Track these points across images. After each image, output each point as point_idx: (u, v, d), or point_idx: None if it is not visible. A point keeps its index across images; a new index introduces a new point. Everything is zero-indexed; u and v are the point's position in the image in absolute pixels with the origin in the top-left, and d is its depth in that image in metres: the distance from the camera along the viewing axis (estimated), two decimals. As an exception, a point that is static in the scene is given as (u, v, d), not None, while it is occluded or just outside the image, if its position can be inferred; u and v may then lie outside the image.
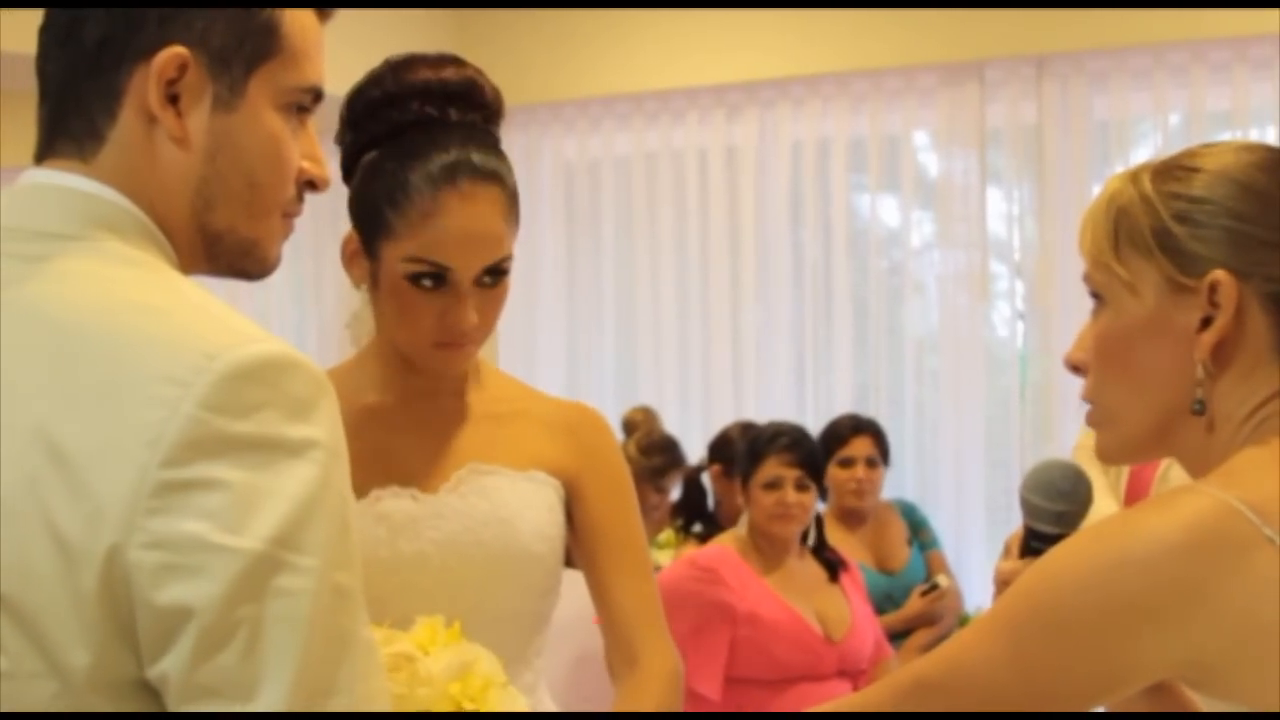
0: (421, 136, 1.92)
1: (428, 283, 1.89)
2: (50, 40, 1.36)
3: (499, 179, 1.93)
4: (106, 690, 1.19)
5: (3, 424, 1.21)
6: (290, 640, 1.17)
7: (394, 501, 1.93)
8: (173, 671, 1.17)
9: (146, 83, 1.32)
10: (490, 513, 1.93)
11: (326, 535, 1.20)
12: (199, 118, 1.34)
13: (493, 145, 1.96)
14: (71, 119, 1.34)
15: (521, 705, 1.69)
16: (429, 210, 1.88)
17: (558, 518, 1.99)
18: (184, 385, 1.18)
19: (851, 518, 5.09)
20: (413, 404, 2.01)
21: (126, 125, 1.33)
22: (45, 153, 1.36)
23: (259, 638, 1.16)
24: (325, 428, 1.23)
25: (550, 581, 1.99)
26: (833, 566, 4.02)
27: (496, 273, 1.92)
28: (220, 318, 1.25)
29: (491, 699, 1.64)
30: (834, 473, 5.02)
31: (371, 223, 1.93)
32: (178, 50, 1.31)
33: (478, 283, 1.91)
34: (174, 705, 1.18)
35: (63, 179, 1.33)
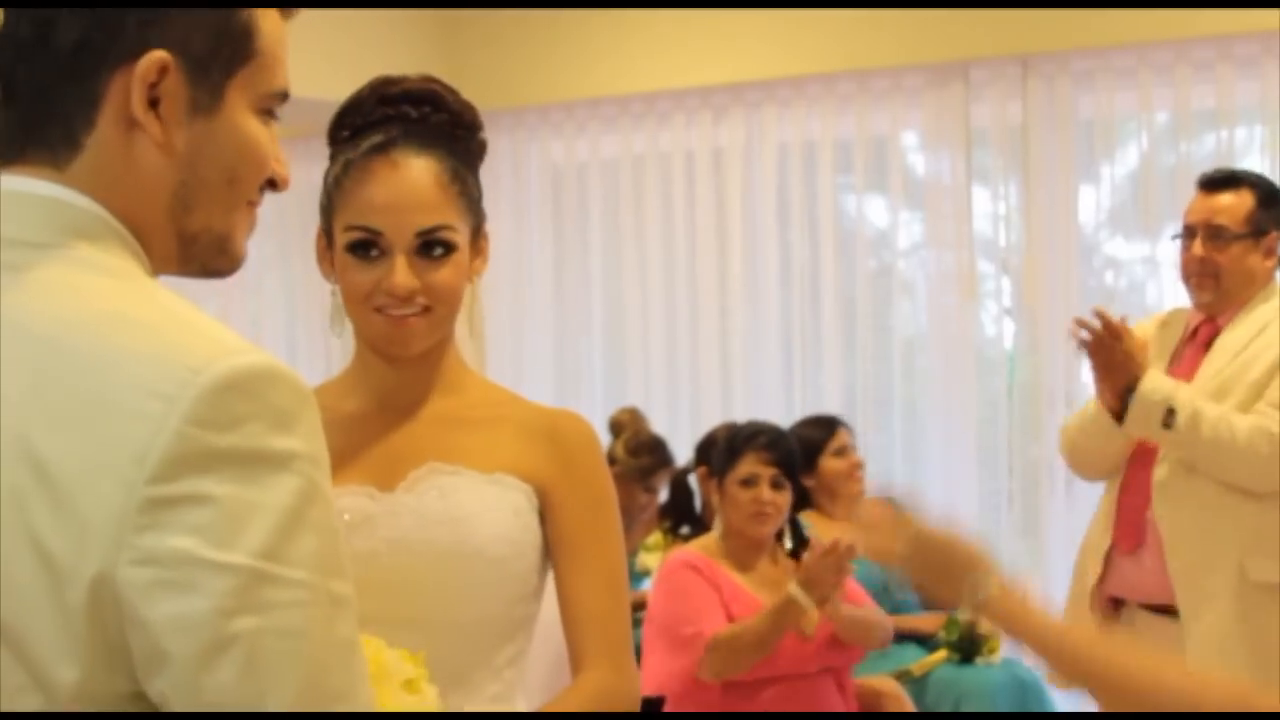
0: (372, 128, 2.00)
1: (364, 251, 1.95)
2: (18, 44, 1.32)
3: (435, 152, 1.97)
4: (95, 706, 1.19)
5: None
6: (287, 654, 1.17)
7: (351, 500, 1.92)
8: (171, 690, 1.17)
9: (127, 88, 1.30)
10: (444, 512, 1.91)
11: (315, 545, 1.20)
12: (179, 122, 1.32)
13: (442, 134, 2.00)
14: (47, 126, 1.32)
15: (430, 705, 1.65)
16: (360, 179, 1.96)
17: (525, 522, 1.96)
18: (169, 400, 1.17)
19: (850, 504, 5.18)
20: (388, 409, 2.01)
21: (105, 131, 1.31)
22: (14, 158, 1.33)
23: (256, 654, 1.16)
24: (307, 438, 1.23)
25: (518, 588, 1.96)
26: (801, 546, 4.01)
27: (435, 243, 1.94)
28: (200, 328, 1.24)
29: (384, 696, 1.59)
30: (832, 464, 5.12)
31: (325, 208, 2.00)
32: (160, 55, 1.29)
33: (417, 252, 1.94)
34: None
35: (35, 186, 1.30)
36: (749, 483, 3.92)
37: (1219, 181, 3.81)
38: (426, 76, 2.05)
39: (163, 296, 1.28)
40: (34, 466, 1.18)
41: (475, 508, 1.92)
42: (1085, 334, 3.55)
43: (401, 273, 1.92)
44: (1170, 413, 3.47)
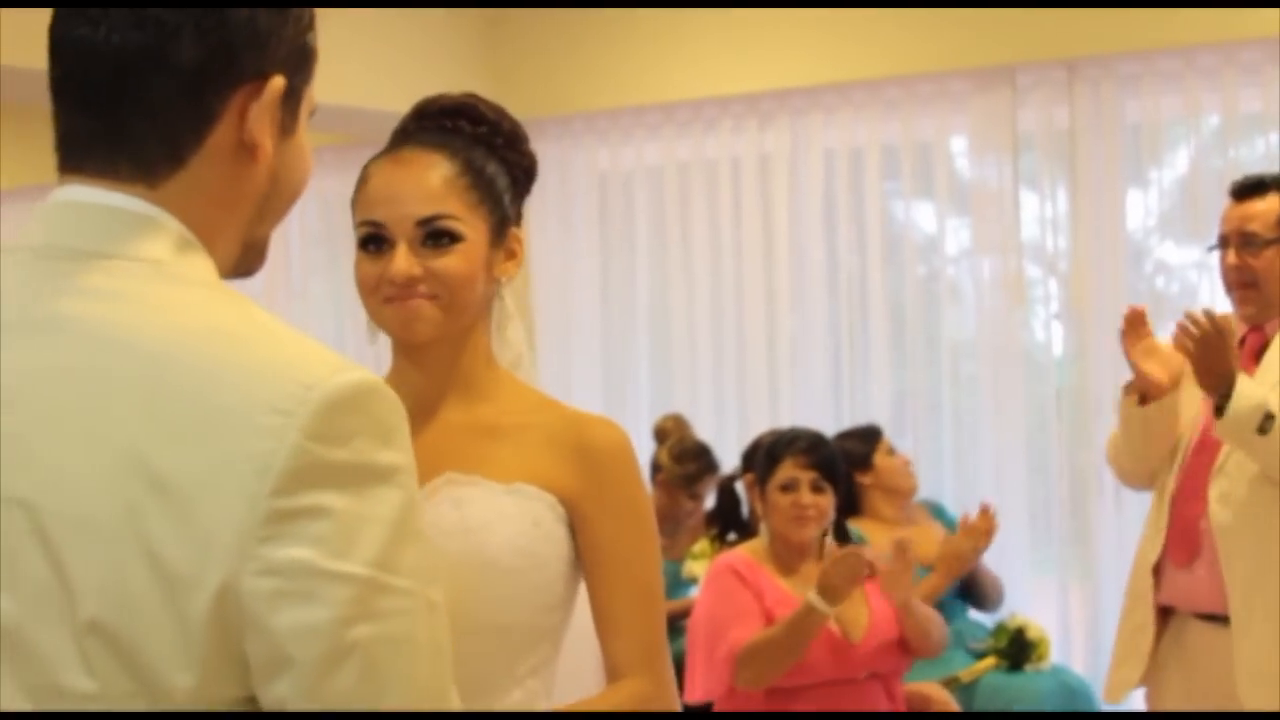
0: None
1: (372, 246, 1.96)
2: (123, 55, 1.30)
3: (446, 150, 1.98)
4: (203, 703, 1.23)
5: (94, 449, 1.22)
6: (400, 660, 1.24)
7: None
8: (291, 694, 1.22)
9: (243, 109, 1.34)
10: (457, 523, 1.89)
11: (417, 555, 1.27)
12: (274, 142, 1.38)
13: (474, 141, 2.01)
14: (149, 141, 1.32)
15: None
16: (368, 178, 1.99)
17: (547, 533, 1.93)
18: (287, 415, 1.22)
19: (905, 500, 5.20)
20: (418, 415, 1.95)
21: (213, 150, 1.34)
22: (100, 171, 1.33)
23: (373, 661, 1.23)
24: (404, 450, 1.30)
25: (540, 598, 1.93)
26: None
27: (438, 234, 1.94)
28: (300, 344, 1.29)
29: None
30: (887, 461, 5.26)
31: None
32: (281, 79, 1.35)
33: (422, 243, 1.94)
34: None
35: (127, 202, 1.32)
36: (788, 487, 3.94)
37: (1248, 188, 3.79)
38: (467, 93, 2.07)
39: (252, 309, 1.32)
40: (150, 480, 1.21)
41: (489, 518, 1.90)
42: (1194, 330, 3.53)
43: (400, 259, 1.93)
44: (1268, 418, 3.46)
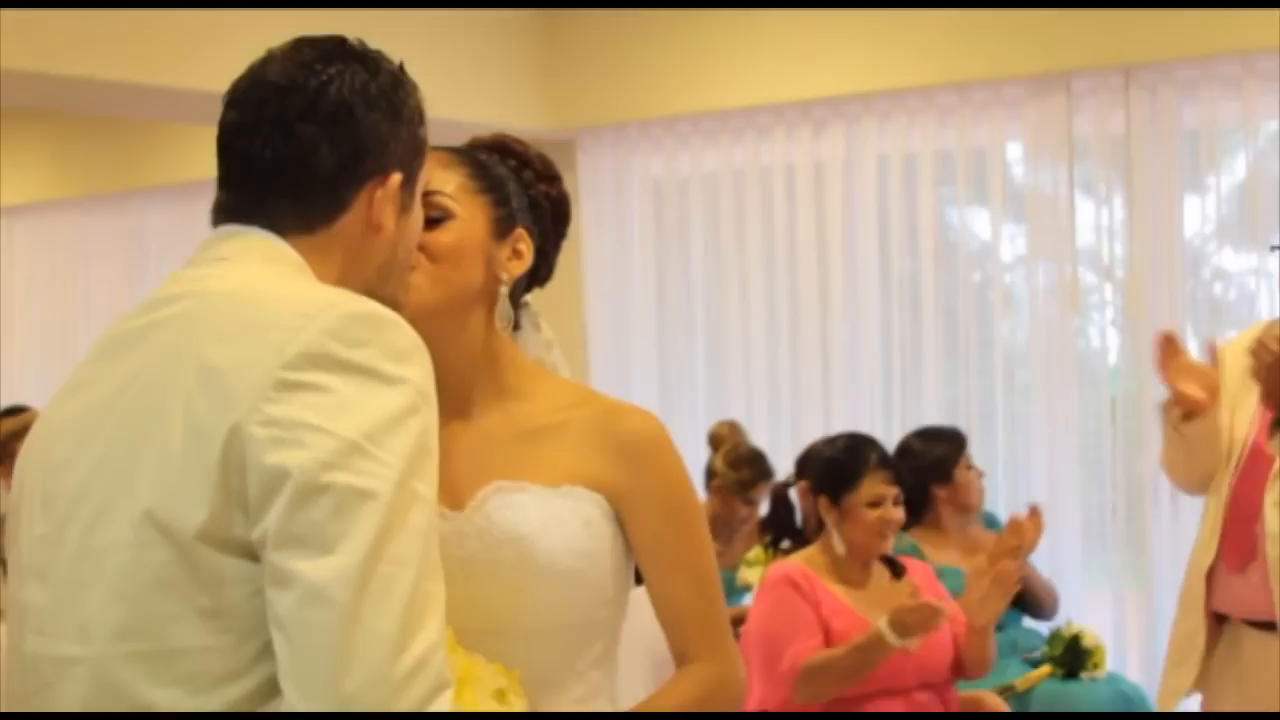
0: None
1: None
2: (277, 160, 1.66)
3: (460, 151, 2.01)
4: (212, 543, 1.49)
5: (179, 366, 1.55)
6: (365, 512, 1.45)
7: None
8: (271, 526, 1.46)
9: (370, 199, 1.68)
10: (509, 531, 1.90)
11: (410, 447, 1.50)
12: (394, 220, 1.71)
13: (487, 160, 2.02)
14: (287, 214, 1.66)
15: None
16: None
17: (597, 531, 1.94)
18: (309, 317, 1.52)
19: (971, 512, 5.19)
20: (452, 422, 1.95)
21: (341, 228, 1.67)
22: (242, 218, 1.68)
23: (345, 504, 1.45)
24: (418, 374, 1.55)
25: (595, 594, 1.95)
26: (893, 565, 4.02)
27: (428, 207, 1.89)
28: (346, 292, 1.60)
29: (471, 699, 1.74)
30: (965, 476, 5.22)
31: None
32: (399, 175, 1.70)
33: None
34: (268, 555, 1.46)
35: (254, 232, 1.67)
36: (877, 503, 3.95)
37: None
38: (500, 133, 2.10)
39: (320, 284, 1.64)
40: (203, 372, 1.52)
41: (542, 524, 1.91)
42: (1266, 356, 3.55)
43: None
44: None
